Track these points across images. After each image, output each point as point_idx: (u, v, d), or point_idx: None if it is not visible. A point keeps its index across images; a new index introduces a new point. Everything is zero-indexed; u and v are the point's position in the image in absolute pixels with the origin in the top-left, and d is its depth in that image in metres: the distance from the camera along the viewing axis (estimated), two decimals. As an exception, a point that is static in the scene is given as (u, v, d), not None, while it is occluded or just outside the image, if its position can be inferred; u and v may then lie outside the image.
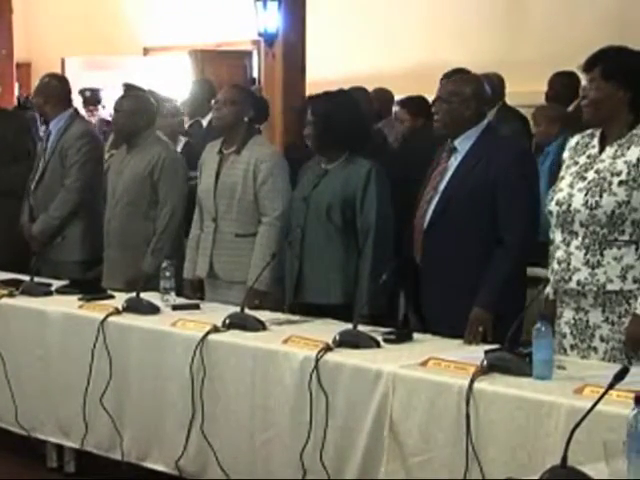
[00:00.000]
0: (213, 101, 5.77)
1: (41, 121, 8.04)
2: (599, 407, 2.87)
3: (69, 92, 6.76)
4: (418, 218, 4.86)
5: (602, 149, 4.23)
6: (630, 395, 2.83)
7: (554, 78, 7.41)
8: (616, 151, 4.17)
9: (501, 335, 4.09)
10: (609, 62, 4.18)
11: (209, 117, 7.40)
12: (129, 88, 6.74)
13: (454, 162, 4.82)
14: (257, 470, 4.43)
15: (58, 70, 10.93)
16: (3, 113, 7.47)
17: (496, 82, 7.56)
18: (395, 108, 7.70)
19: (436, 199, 4.79)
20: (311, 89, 6.94)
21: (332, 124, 5.18)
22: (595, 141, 4.28)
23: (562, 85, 7.28)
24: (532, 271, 4.85)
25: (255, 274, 5.19)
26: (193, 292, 5.68)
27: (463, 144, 4.80)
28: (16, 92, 8.94)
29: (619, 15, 9.17)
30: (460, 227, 4.71)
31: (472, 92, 4.83)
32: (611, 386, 2.86)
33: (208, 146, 5.90)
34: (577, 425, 2.80)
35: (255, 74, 11.77)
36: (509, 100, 8.04)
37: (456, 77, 4.91)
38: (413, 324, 4.96)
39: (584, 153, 4.26)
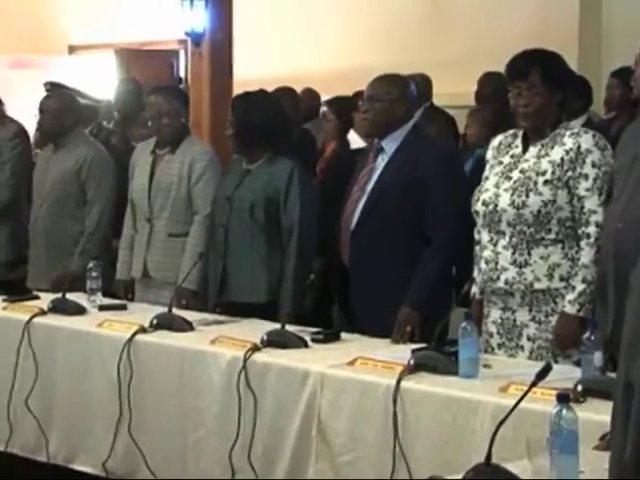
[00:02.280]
0: (148, 114, 5.70)
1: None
2: (523, 405, 2.90)
3: None
4: (345, 218, 4.88)
5: (525, 148, 4.29)
6: (553, 392, 2.87)
7: (483, 78, 7.47)
8: (540, 150, 4.23)
9: (428, 334, 4.14)
10: (547, 67, 4.24)
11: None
12: (53, 86, 6.68)
13: (381, 162, 4.85)
14: (187, 470, 4.42)
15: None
16: None
17: (422, 83, 7.61)
18: (322, 108, 7.72)
19: (364, 199, 4.82)
20: (238, 89, 6.95)
21: (251, 124, 5.18)
22: (518, 141, 4.33)
23: (491, 86, 7.34)
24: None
25: (184, 273, 5.19)
26: (125, 293, 5.66)
27: (390, 144, 4.83)
28: None
29: (542, 16, 9.28)
30: (387, 227, 4.74)
31: (400, 92, 4.86)
32: (534, 384, 2.90)
33: (139, 146, 5.88)
34: (501, 422, 2.82)
35: (182, 73, 11.72)
36: (436, 101, 8.10)
37: (385, 78, 4.94)
38: (340, 324, 4.98)
39: (507, 153, 4.32)
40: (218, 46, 7.36)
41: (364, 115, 4.93)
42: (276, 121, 5.27)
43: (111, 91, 8.00)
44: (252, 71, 8.46)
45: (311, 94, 8.68)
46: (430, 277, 4.62)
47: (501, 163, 4.32)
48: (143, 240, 5.61)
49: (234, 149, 5.33)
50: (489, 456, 2.72)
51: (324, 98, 7.91)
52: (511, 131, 4.41)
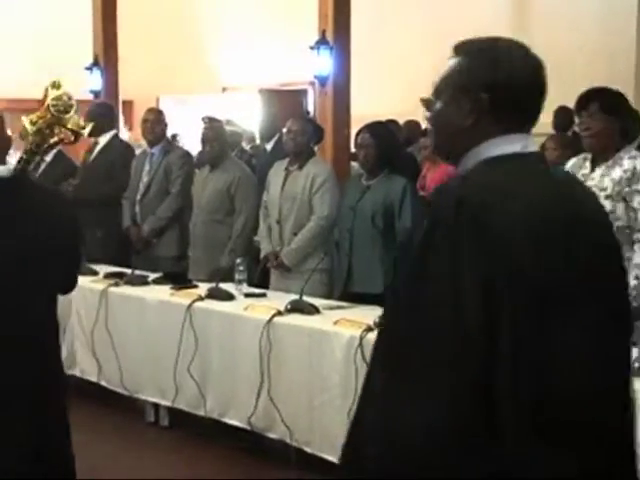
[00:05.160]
0: (286, 130, 5.78)
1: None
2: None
3: (166, 125, 6.82)
4: None
5: (593, 169, 4.23)
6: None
7: (559, 110, 7.44)
8: (603, 171, 4.18)
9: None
10: (604, 98, 4.19)
11: (272, 143, 7.40)
12: (210, 120, 6.74)
13: None
14: (313, 426, 4.43)
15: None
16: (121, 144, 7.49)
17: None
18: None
19: None
20: (355, 121, 6.97)
21: (384, 147, 5.22)
22: (587, 163, 4.29)
23: (563, 116, 7.31)
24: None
25: (295, 255, 5.46)
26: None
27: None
28: (121, 125, 9.04)
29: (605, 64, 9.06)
30: None
31: None
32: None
33: (276, 164, 5.92)
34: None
35: (309, 107, 11.76)
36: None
37: None
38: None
39: (578, 172, 4.24)
40: (339, 86, 7.35)
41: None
42: (397, 145, 5.35)
43: (256, 123, 8.09)
44: (365, 107, 8.44)
45: (412, 124, 8.64)
46: None
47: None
48: (275, 238, 5.66)
49: (368, 166, 5.30)
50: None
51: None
52: (582, 155, 4.36)
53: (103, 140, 7.07)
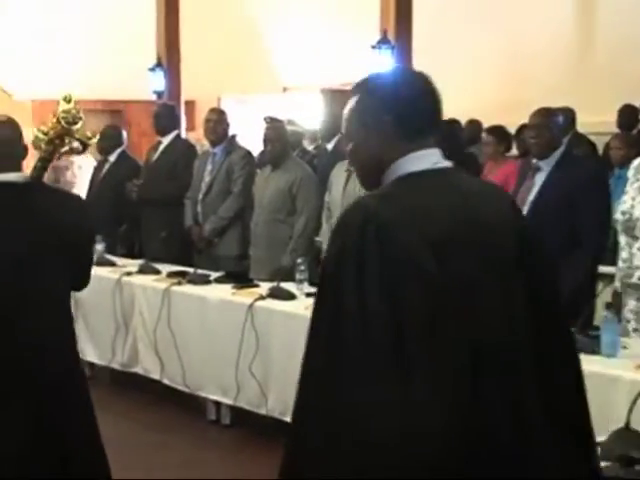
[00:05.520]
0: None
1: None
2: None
3: (228, 125, 6.85)
4: None
5: None
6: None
7: (624, 109, 7.30)
8: None
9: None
10: None
11: (333, 143, 7.40)
12: (272, 120, 6.77)
13: (539, 180, 4.74)
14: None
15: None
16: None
17: (568, 114, 7.44)
18: (483, 134, 7.61)
19: (525, 209, 4.73)
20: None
21: (449, 146, 5.17)
22: None
23: (628, 115, 7.20)
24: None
25: None
26: None
27: (546, 165, 4.73)
28: (183, 125, 9.13)
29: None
30: (547, 232, 4.65)
31: (554, 122, 4.76)
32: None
33: (337, 165, 5.92)
34: (639, 394, 2.74)
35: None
36: (579, 128, 7.89)
37: (542, 110, 4.84)
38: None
39: None
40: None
41: (533, 140, 4.83)
42: (456, 145, 5.33)
43: (317, 123, 8.10)
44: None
45: (474, 123, 8.58)
46: (579, 274, 4.49)
47: (638, 180, 4.20)
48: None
49: None
50: (628, 422, 2.63)
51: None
52: None
53: (166, 140, 7.15)
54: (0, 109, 9.93)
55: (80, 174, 8.82)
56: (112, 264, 6.40)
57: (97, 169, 7.63)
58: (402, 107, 1.98)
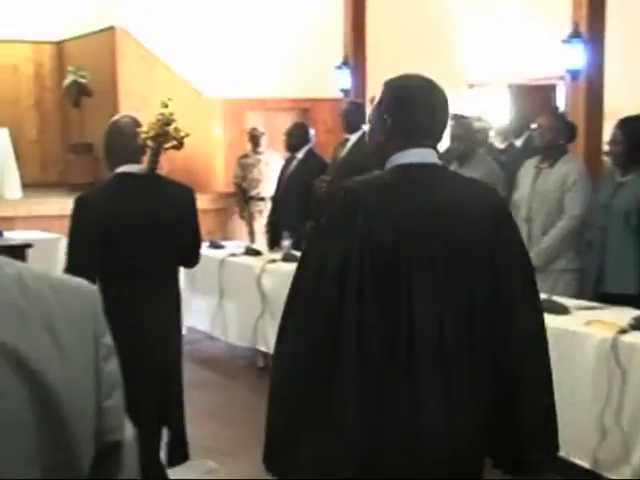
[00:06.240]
0: (535, 125, 5.75)
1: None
2: None
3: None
4: None
5: None
6: None
7: None
8: None
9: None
10: None
11: (522, 139, 7.32)
12: (457, 117, 6.75)
13: None
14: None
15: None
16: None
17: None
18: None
19: None
20: (608, 116, 6.76)
21: (638, 142, 5.04)
22: None
23: None
24: None
25: (545, 255, 5.43)
26: None
27: None
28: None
29: None
30: None
31: None
32: None
33: (526, 162, 5.86)
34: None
35: (557, 103, 11.51)
36: None
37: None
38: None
39: None
40: (593, 80, 7.15)
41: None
42: None
43: (505, 119, 8.02)
44: (622, 100, 8.16)
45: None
46: None
47: None
48: (523, 236, 5.60)
49: (618, 163, 5.16)
50: None
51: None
52: None
53: (354, 137, 7.25)
54: (190, 106, 10.34)
55: (267, 171, 9.08)
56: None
57: (285, 166, 7.82)
58: (401, 114, 2.39)
